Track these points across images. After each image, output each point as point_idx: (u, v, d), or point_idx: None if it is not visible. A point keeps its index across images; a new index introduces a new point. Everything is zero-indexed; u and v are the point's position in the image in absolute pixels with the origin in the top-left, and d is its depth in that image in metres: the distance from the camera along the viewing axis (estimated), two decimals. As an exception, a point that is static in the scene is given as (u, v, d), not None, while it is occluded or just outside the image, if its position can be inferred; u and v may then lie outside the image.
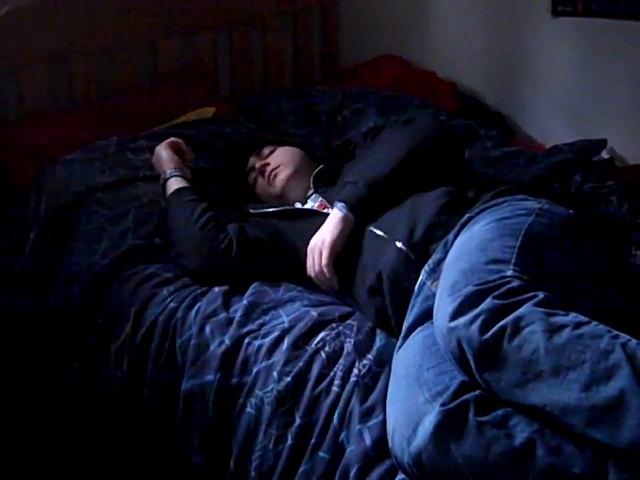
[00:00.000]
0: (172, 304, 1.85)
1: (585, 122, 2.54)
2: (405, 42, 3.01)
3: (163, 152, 2.15)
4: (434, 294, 1.56)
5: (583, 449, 1.27)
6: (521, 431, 1.30)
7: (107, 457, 1.94)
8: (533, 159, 2.32)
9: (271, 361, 1.66)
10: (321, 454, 1.52)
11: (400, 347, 1.57)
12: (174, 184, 2.08)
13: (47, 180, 2.21)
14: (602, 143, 2.33)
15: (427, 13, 2.97)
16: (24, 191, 2.25)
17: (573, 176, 2.19)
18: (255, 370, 1.66)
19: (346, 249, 1.86)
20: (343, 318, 1.75)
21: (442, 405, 1.34)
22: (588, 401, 1.26)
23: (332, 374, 1.60)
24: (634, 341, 1.32)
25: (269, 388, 1.61)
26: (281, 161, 2.18)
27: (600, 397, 1.26)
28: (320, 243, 1.86)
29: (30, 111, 2.48)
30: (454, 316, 1.40)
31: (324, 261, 1.84)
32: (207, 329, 1.76)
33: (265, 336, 1.71)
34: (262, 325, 1.74)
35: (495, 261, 1.49)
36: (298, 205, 2.10)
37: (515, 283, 1.42)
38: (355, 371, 1.59)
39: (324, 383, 1.59)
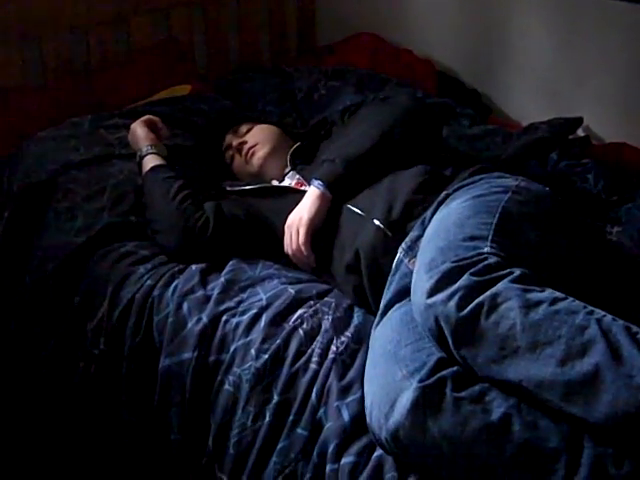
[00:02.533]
0: (149, 282, 1.84)
1: (561, 100, 2.55)
2: (382, 20, 3.00)
3: (139, 129, 2.14)
4: (411, 271, 1.57)
5: (559, 424, 1.28)
6: (498, 406, 1.31)
7: (85, 436, 1.93)
8: (509, 137, 2.32)
9: (249, 338, 1.65)
10: (299, 431, 1.52)
11: (378, 324, 1.58)
12: (150, 161, 2.06)
13: (20, 158, 2.19)
14: (578, 121, 2.34)
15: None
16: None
17: (549, 154, 2.21)
18: (233, 347, 1.66)
19: (323, 227, 1.85)
20: (321, 295, 1.76)
21: (419, 381, 1.34)
22: (564, 376, 1.27)
23: (310, 351, 1.60)
24: (609, 317, 1.33)
25: (247, 365, 1.61)
26: (258, 139, 2.17)
27: (575, 372, 1.27)
28: (297, 221, 1.85)
29: (1, 88, 2.44)
30: (431, 293, 1.41)
31: (301, 239, 1.84)
32: (184, 307, 1.76)
33: (243, 313, 1.71)
34: (240, 302, 1.74)
35: (472, 238, 1.50)
36: (275, 183, 2.09)
37: (492, 260, 1.43)
38: (333, 348, 1.59)
39: (302, 360, 1.59)
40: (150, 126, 2.15)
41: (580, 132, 2.38)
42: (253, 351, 1.63)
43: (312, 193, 1.87)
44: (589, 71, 2.48)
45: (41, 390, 2.00)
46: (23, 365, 2.03)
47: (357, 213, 1.81)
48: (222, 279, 1.81)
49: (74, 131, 2.25)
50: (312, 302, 1.72)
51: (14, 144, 2.26)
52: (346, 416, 1.48)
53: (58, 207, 2.05)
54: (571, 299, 1.37)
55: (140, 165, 2.08)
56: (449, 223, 1.58)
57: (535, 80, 2.64)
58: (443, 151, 2.11)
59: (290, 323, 1.67)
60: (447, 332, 1.37)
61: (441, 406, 1.31)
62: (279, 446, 1.52)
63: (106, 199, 2.04)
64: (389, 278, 1.66)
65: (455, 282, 1.39)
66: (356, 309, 1.72)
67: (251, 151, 2.15)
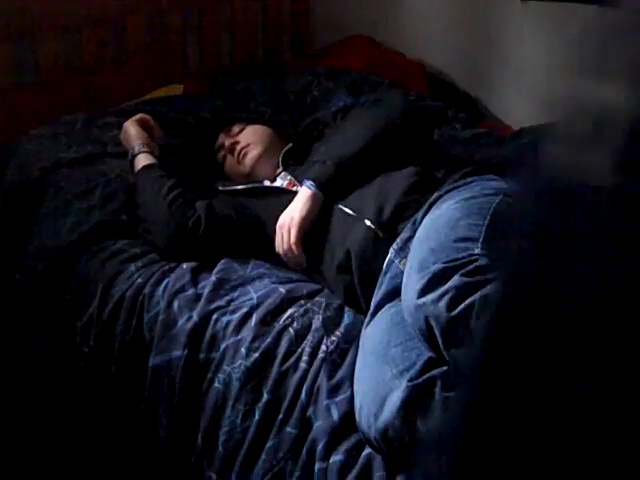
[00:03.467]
0: (139, 280, 1.84)
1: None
2: (375, 23, 3.00)
3: (131, 128, 2.14)
4: (402, 272, 1.57)
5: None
6: (487, 406, 1.31)
7: (73, 433, 1.93)
8: (501, 140, 2.33)
9: (239, 337, 1.66)
10: (288, 429, 1.52)
11: (368, 324, 1.59)
12: (142, 160, 2.06)
13: (12, 155, 2.19)
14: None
15: (398, -6, 2.97)
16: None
17: (540, 158, 2.21)
18: (223, 346, 1.66)
19: (315, 227, 1.86)
20: (311, 295, 1.76)
21: (409, 381, 1.35)
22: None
23: (300, 350, 1.61)
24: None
25: (237, 364, 1.62)
26: (250, 140, 2.17)
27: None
28: (289, 221, 1.86)
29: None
30: (422, 293, 1.41)
31: (292, 239, 1.84)
32: (175, 305, 1.76)
33: (233, 312, 1.71)
34: (230, 301, 1.74)
35: (463, 239, 1.50)
36: (267, 183, 2.09)
37: (483, 261, 1.44)
38: (323, 347, 1.60)
39: (292, 359, 1.60)
40: (143, 125, 2.15)
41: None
42: (243, 350, 1.63)
43: (304, 194, 1.87)
44: (581, 76, 2.49)
45: (30, 387, 2.00)
46: (11, 362, 2.02)
47: (348, 213, 1.82)
48: (213, 278, 1.81)
49: (67, 129, 2.25)
50: (303, 301, 1.73)
51: (7, 142, 2.26)
52: (335, 415, 1.48)
53: (49, 205, 2.04)
54: None
55: (132, 164, 2.08)
56: (440, 224, 1.58)
57: (527, 84, 2.64)
58: (435, 153, 2.11)
59: (280, 322, 1.67)
60: (437, 332, 1.38)
61: (430, 406, 1.31)
62: (268, 444, 1.53)
63: (97, 197, 2.04)
64: (380, 278, 1.67)
65: (446, 283, 1.40)
66: (346, 309, 1.73)
67: (243, 151, 2.15)
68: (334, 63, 2.84)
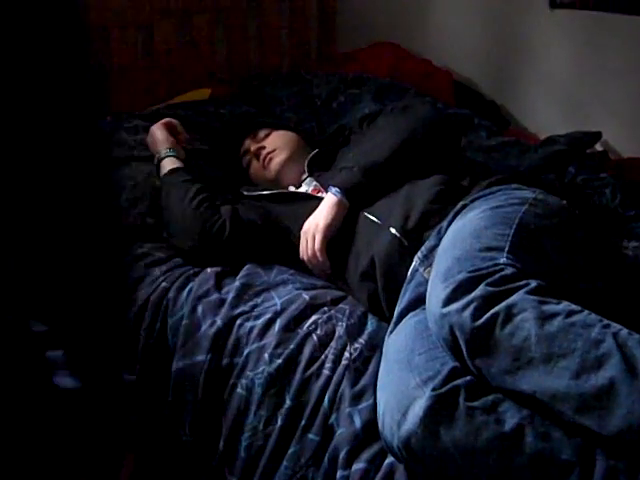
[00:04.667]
0: (164, 284, 1.85)
1: (580, 114, 2.54)
2: (402, 29, 3.01)
3: (158, 132, 2.15)
4: (427, 280, 1.56)
5: (572, 436, 1.28)
6: (511, 417, 1.30)
7: (95, 436, 1.93)
8: (527, 149, 2.32)
9: (263, 343, 1.66)
10: (311, 436, 1.52)
11: (392, 332, 1.58)
12: (168, 164, 2.07)
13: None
14: (596, 135, 2.34)
15: (425, 1, 2.97)
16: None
17: (567, 167, 2.20)
18: (246, 351, 1.66)
19: (339, 234, 1.85)
20: (335, 302, 1.76)
21: (433, 390, 1.34)
22: (578, 389, 1.27)
23: (323, 357, 1.60)
24: (625, 330, 1.32)
25: (260, 369, 1.62)
26: (276, 145, 2.18)
27: (590, 385, 1.26)
28: (314, 227, 1.86)
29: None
30: (447, 302, 1.40)
31: (317, 245, 1.84)
32: (199, 309, 1.76)
33: (257, 318, 1.71)
34: (254, 307, 1.75)
35: (489, 249, 1.50)
36: (292, 189, 2.09)
37: (508, 271, 1.43)
38: (346, 355, 1.59)
39: (315, 366, 1.60)
40: (169, 129, 2.16)
41: (598, 146, 2.38)
42: (266, 355, 1.63)
43: (329, 200, 1.87)
44: (608, 86, 2.48)
45: (50, 390, 2.00)
46: (32, 368, 2.03)
47: (374, 221, 1.81)
48: (237, 283, 1.81)
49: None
50: (326, 308, 1.72)
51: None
52: (358, 423, 1.48)
53: (76, 207, 2.05)
54: (587, 312, 1.36)
55: (158, 167, 2.09)
56: (466, 233, 1.58)
57: (554, 93, 2.64)
58: (461, 162, 2.11)
59: (304, 329, 1.67)
60: (461, 342, 1.37)
61: (454, 415, 1.30)
62: (290, 451, 1.53)
63: (123, 201, 2.05)
64: (404, 286, 1.66)
65: (471, 292, 1.39)
66: (370, 316, 1.72)
67: (269, 157, 2.15)
68: (360, 69, 2.85)
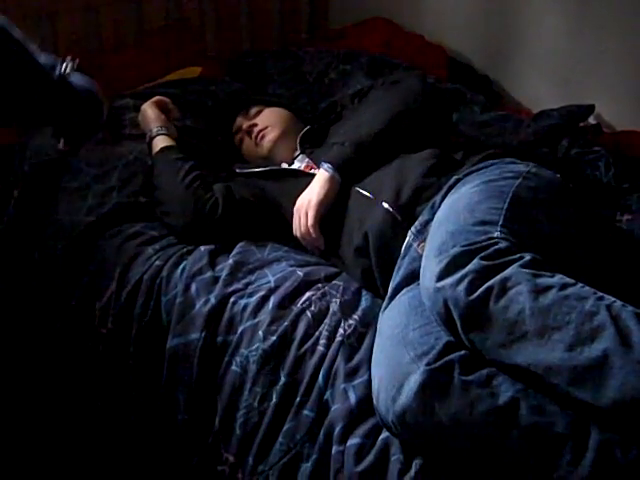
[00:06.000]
0: (157, 262, 1.84)
1: (573, 88, 2.53)
2: (394, 5, 2.98)
3: (149, 110, 2.14)
4: (421, 255, 1.56)
5: (566, 409, 1.29)
6: (505, 390, 1.31)
7: (90, 415, 1.94)
8: (520, 123, 2.32)
9: (257, 320, 1.65)
10: (305, 412, 1.52)
11: (386, 308, 1.58)
12: (160, 142, 2.06)
13: (32, 137, 2.19)
14: (589, 109, 2.33)
15: (417, -24, 2.95)
16: (7, 146, 2.22)
17: (560, 141, 2.20)
18: (241, 329, 1.66)
19: (332, 210, 1.85)
20: (329, 278, 1.76)
21: (427, 364, 1.34)
22: (572, 361, 1.27)
23: (318, 334, 1.60)
24: (619, 303, 1.32)
25: (254, 347, 1.61)
26: (269, 122, 2.17)
27: (584, 357, 1.27)
28: (306, 203, 1.85)
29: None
30: (441, 276, 1.41)
31: (310, 221, 1.84)
32: (193, 288, 1.76)
33: (251, 295, 1.71)
34: (248, 284, 1.74)
35: (482, 222, 1.50)
36: (284, 166, 2.09)
37: (502, 244, 1.43)
38: (341, 331, 1.59)
39: (309, 342, 1.60)
40: (161, 107, 2.15)
41: (591, 120, 2.37)
42: (261, 333, 1.63)
43: (321, 176, 1.86)
44: (602, 58, 2.46)
45: (48, 367, 2.01)
46: (31, 343, 2.03)
47: (366, 196, 1.81)
48: (230, 261, 1.81)
49: (84, 111, 2.25)
50: (320, 285, 1.72)
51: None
52: (353, 398, 1.48)
53: (68, 187, 2.05)
54: (581, 285, 1.37)
55: (150, 146, 2.08)
56: (459, 207, 1.57)
57: (547, 67, 2.62)
58: (454, 136, 2.10)
59: (298, 305, 1.67)
60: (456, 316, 1.37)
61: (448, 389, 1.31)
62: (285, 427, 1.53)
63: (116, 179, 2.05)
64: (398, 262, 1.66)
65: (465, 266, 1.39)
66: (364, 292, 1.72)
67: (261, 134, 2.15)
68: (352, 45, 2.83)
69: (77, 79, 1.73)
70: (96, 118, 1.79)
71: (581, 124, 2.31)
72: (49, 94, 1.67)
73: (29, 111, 1.67)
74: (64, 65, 1.73)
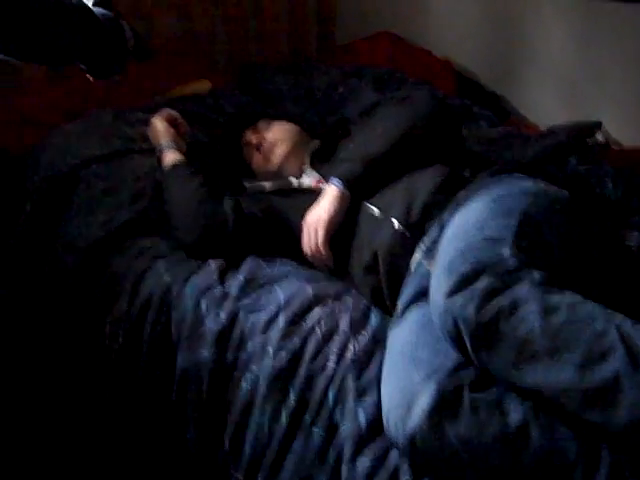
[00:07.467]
0: (167, 278, 1.84)
1: (580, 104, 2.54)
2: (402, 20, 3.00)
3: (159, 124, 2.14)
4: (430, 273, 1.56)
5: (577, 431, 1.28)
6: (515, 412, 1.30)
7: (100, 431, 1.94)
8: (528, 140, 2.32)
9: (267, 337, 1.65)
10: (315, 431, 1.51)
11: (395, 325, 1.58)
12: (170, 157, 2.07)
13: (43, 150, 2.20)
14: (597, 125, 2.33)
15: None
16: (20, 158, 2.23)
17: (568, 157, 2.20)
18: (250, 346, 1.66)
19: (341, 226, 1.85)
20: (338, 295, 1.75)
21: (437, 384, 1.34)
22: (582, 382, 1.27)
23: (327, 351, 1.60)
24: (629, 322, 1.32)
25: (264, 364, 1.61)
26: (278, 136, 2.17)
27: (594, 378, 1.26)
28: (316, 221, 1.85)
29: (25, 81, 2.45)
30: (450, 294, 1.40)
31: (320, 239, 1.83)
32: (202, 304, 1.75)
33: (261, 312, 1.71)
34: (258, 300, 1.74)
35: (492, 240, 1.49)
36: (293, 179, 2.09)
37: (511, 262, 1.42)
38: (350, 349, 1.59)
39: (319, 360, 1.59)
40: (170, 121, 2.16)
41: (599, 136, 2.37)
42: (271, 350, 1.62)
43: (331, 192, 1.86)
44: (608, 75, 2.47)
45: (58, 382, 2.01)
46: (41, 358, 2.04)
47: (375, 212, 1.81)
48: (240, 277, 1.81)
49: (96, 124, 2.27)
50: (330, 301, 1.72)
51: (36, 135, 2.27)
52: (362, 418, 1.47)
53: (79, 200, 2.06)
54: (590, 302, 1.36)
55: (160, 160, 2.09)
56: (468, 225, 1.57)
57: (554, 82, 2.63)
58: (462, 152, 2.10)
59: (308, 322, 1.66)
60: (466, 335, 1.37)
61: (459, 410, 1.31)
62: (295, 447, 1.52)
63: (126, 194, 2.05)
64: (407, 279, 1.66)
65: (474, 284, 1.39)
66: (373, 309, 1.72)
67: (271, 149, 2.15)
68: (360, 60, 2.85)
69: (99, 10, 1.70)
70: (121, 46, 1.75)
71: (588, 140, 2.31)
72: (68, 21, 1.61)
73: (49, 41, 1.60)
74: None
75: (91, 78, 1.78)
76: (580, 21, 2.52)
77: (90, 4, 1.71)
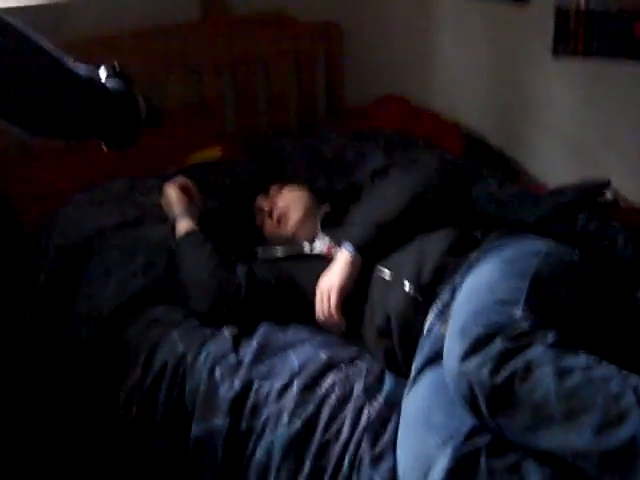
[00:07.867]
0: (181, 347, 1.84)
1: (588, 162, 2.55)
2: (409, 83, 3.04)
3: (172, 193, 2.17)
4: (443, 336, 1.56)
5: (596, 494, 1.27)
6: (534, 477, 1.29)
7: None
8: (538, 199, 2.33)
9: (281, 404, 1.64)
10: (331, 499, 1.51)
11: (409, 390, 1.57)
12: (183, 225, 2.09)
13: (57, 221, 2.23)
14: (606, 184, 2.34)
15: (430, 55, 3.00)
16: (33, 230, 2.25)
17: (577, 216, 2.20)
18: (265, 414, 1.65)
19: (354, 290, 1.86)
20: (352, 360, 1.75)
21: (453, 450, 1.33)
22: (599, 446, 1.26)
23: (342, 418, 1.59)
24: (645, 381, 1.32)
25: (279, 432, 1.60)
26: (289, 202, 2.19)
27: (611, 442, 1.25)
28: (328, 287, 1.85)
29: (37, 150, 2.49)
30: (464, 358, 1.40)
31: (333, 305, 1.84)
32: (217, 372, 1.75)
33: (275, 379, 1.70)
34: (272, 368, 1.74)
35: (504, 302, 1.49)
36: (305, 244, 2.10)
37: (525, 324, 1.42)
38: (365, 414, 1.58)
39: (334, 427, 1.58)
40: (183, 189, 2.19)
41: (608, 195, 2.38)
42: (285, 417, 1.62)
43: (343, 258, 1.87)
44: (616, 133, 2.49)
45: (74, 453, 2.00)
46: (56, 430, 2.03)
47: (387, 275, 1.81)
48: (254, 343, 1.81)
49: (109, 194, 2.30)
50: (343, 367, 1.71)
51: (49, 206, 2.30)
52: (379, 485, 1.46)
53: (93, 271, 2.07)
54: (606, 364, 1.36)
55: (173, 229, 2.11)
56: (481, 287, 1.58)
57: (562, 142, 2.65)
58: (472, 213, 2.11)
59: (322, 389, 1.66)
60: (481, 399, 1.36)
61: (476, 477, 1.30)
62: (311, 516, 1.51)
63: (139, 263, 2.07)
64: (420, 341, 1.66)
65: (488, 347, 1.39)
66: (387, 373, 1.71)
67: (283, 215, 2.17)
68: (368, 123, 2.87)
69: (112, 84, 1.74)
70: (134, 119, 1.79)
71: (598, 199, 2.32)
72: (90, 105, 1.66)
73: (70, 122, 1.66)
74: (101, 72, 1.74)
75: (105, 148, 1.82)
76: (585, 80, 2.55)
77: (104, 77, 1.75)
